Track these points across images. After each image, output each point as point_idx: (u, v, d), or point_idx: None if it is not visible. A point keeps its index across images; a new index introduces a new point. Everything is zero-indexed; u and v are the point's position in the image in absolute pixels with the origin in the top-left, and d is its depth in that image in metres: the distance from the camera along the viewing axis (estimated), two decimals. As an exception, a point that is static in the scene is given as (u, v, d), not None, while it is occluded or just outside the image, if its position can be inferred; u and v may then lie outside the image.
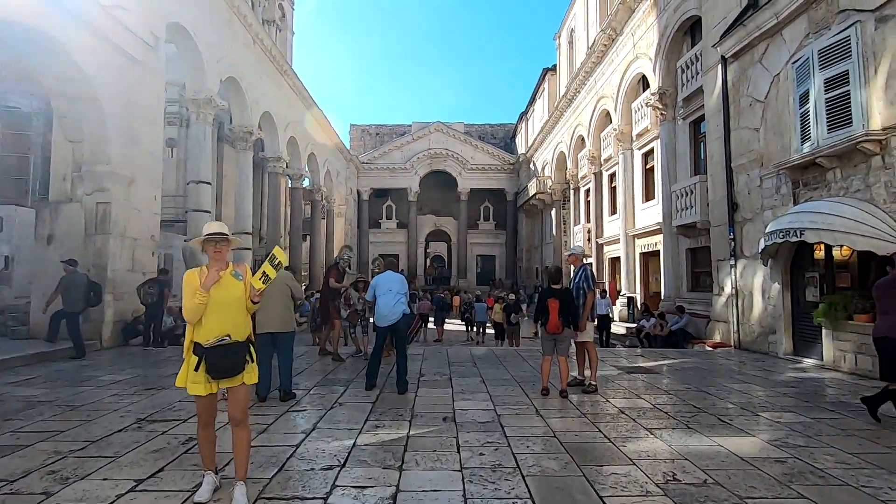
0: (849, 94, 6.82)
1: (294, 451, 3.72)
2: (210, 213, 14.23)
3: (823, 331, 7.39)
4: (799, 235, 6.91)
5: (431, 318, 16.34)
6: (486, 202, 37.82)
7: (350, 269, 10.43)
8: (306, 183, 27.78)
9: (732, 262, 9.65)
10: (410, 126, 38.80)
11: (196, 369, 2.79)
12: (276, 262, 2.99)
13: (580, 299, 5.79)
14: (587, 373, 5.99)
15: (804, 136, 7.70)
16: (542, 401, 5.35)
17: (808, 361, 7.75)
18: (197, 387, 2.80)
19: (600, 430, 4.28)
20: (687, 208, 12.21)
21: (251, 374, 2.94)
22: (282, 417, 4.67)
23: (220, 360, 2.77)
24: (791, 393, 5.74)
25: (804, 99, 7.66)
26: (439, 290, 29.00)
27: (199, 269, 2.96)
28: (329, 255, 30.68)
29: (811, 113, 7.45)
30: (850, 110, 6.80)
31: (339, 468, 3.39)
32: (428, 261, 43.58)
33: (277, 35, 22.49)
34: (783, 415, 4.80)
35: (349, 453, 3.68)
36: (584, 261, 6.28)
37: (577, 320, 5.71)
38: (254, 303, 2.97)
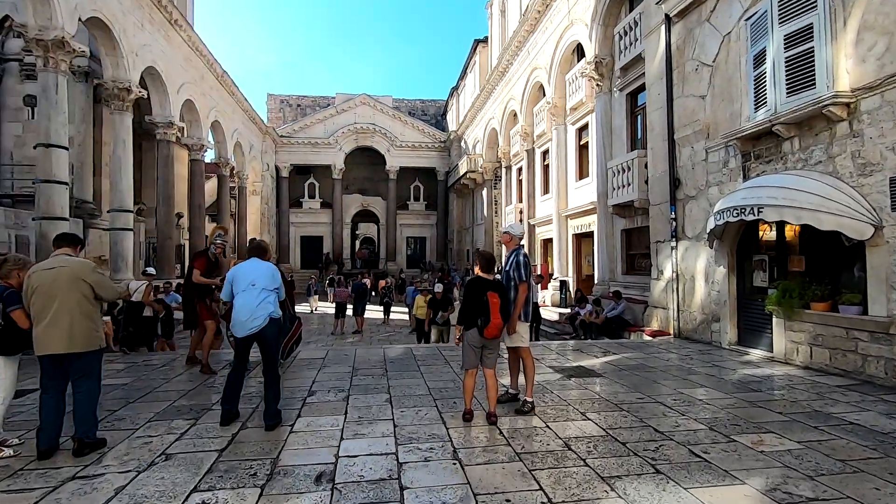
0: (813, 52, 5.96)
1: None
2: (67, 184, 11.52)
3: (774, 320, 6.67)
4: (756, 213, 6.03)
5: (350, 308, 14.71)
6: (417, 181, 36.13)
7: (229, 254, 8.47)
8: (211, 156, 24.72)
9: (673, 243, 8.86)
10: (335, 98, 36.03)
11: None
12: None
13: (511, 292, 4.50)
14: (522, 379, 4.74)
15: (758, 102, 6.84)
16: (464, 431, 3.99)
17: (756, 353, 7.05)
18: None
19: (541, 487, 2.98)
20: (623, 186, 11.40)
21: None
22: (55, 493, 2.94)
23: None
24: (757, 400, 4.81)
25: (759, 59, 6.78)
26: (363, 274, 27.28)
27: None
28: (242, 239, 27.79)
29: (768, 75, 6.57)
30: (813, 70, 5.94)
31: None
32: (357, 243, 41.37)
33: (170, -19, 19.24)
34: (763, 438, 3.78)
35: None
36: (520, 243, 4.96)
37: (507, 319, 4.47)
38: None
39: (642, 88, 11.23)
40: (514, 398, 4.76)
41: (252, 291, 4.13)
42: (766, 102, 6.65)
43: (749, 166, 7.17)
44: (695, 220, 8.39)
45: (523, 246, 4.86)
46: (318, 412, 4.50)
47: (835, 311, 5.80)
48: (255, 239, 4.61)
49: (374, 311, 18.22)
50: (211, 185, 26.87)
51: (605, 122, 12.88)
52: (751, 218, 6.16)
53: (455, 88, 33.63)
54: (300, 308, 22.27)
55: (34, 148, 11.68)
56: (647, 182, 10.24)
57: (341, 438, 3.83)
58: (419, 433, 3.93)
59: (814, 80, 5.93)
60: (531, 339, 11.54)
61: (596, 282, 13.30)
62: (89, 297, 3.56)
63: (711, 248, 7.72)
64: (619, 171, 11.59)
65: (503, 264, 4.72)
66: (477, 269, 4.35)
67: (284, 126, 34.50)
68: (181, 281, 11.47)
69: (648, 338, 9.18)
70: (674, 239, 8.84)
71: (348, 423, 4.20)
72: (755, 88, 6.89)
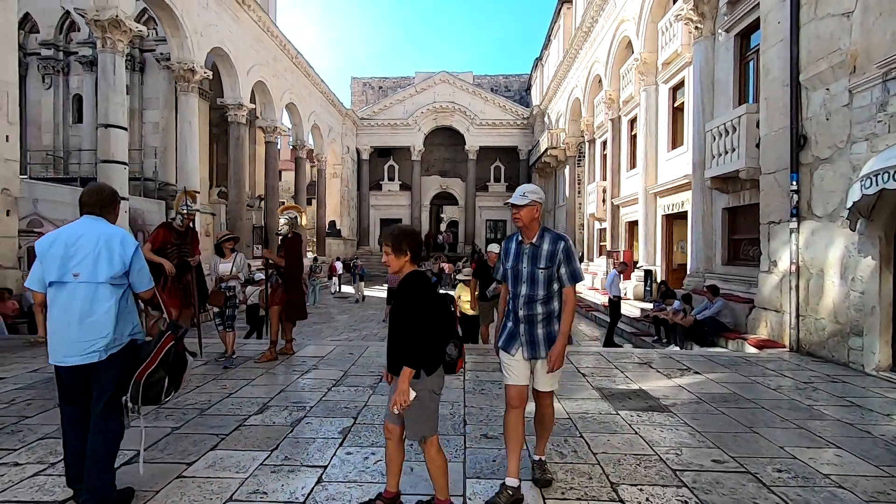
0: None
1: None
2: (126, 164, 11.68)
3: (961, 341, 4.35)
4: (939, 174, 3.80)
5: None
6: (497, 161, 34.31)
7: (224, 230, 7.61)
8: (290, 140, 25.07)
9: (794, 224, 6.53)
10: (414, 78, 35.25)
11: None
12: None
13: (554, 303, 2.70)
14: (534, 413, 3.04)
15: (946, 4, 4.44)
16: (409, 504, 2.58)
17: (924, 387, 4.74)
18: None
19: None
20: (726, 152, 8.94)
21: None
22: None
23: None
24: (936, 487, 2.82)
25: (951, -64, 4.36)
26: (438, 258, 26.39)
27: None
28: (321, 222, 28.21)
29: (967, -44, 4.17)
30: None
31: None
32: (443, 226, 40.66)
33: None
34: None
35: None
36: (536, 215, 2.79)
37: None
38: None
39: (756, 27, 8.67)
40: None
41: (73, 289, 2.39)
42: (961, 1, 4.26)
43: (924, 107, 4.77)
44: (827, 193, 6.03)
45: (556, 231, 2.85)
46: (242, 443, 3.35)
47: None
48: (102, 185, 2.70)
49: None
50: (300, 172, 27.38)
51: (705, 74, 10.33)
52: (928, 182, 3.93)
53: (539, 59, 31.14)
54: (346, 288, 21.59)
55: (96, 129, 12.02)
56: (757, 146, 7.82)
57: (230, 499, 2.62)
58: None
59: None
60: (606, 342, 9.76)
61: (688, 273, 10.92)
62: None
63: (854, 230, 5.40)
64: (720, 135, 9.13)
65: (516, 256, 2.77)
66: (401, 263, 2.44)
67: (364, 108, 34.49)
68: (249, 262, 11.28)
69: (752, 349, 6.97)
70: (794, 218, 6.51)
71: (262, 467, 2.99)
72: (941, -17, 4.49)
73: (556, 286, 2.71)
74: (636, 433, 3.62)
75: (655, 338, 9.51)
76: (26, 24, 18.51)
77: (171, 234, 5.23)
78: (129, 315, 2.55)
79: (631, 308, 12.21)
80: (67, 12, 17.66)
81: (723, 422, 3.88)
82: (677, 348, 8.35)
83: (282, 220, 6.08)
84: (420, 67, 44.07)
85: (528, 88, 36.35)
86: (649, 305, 11.30)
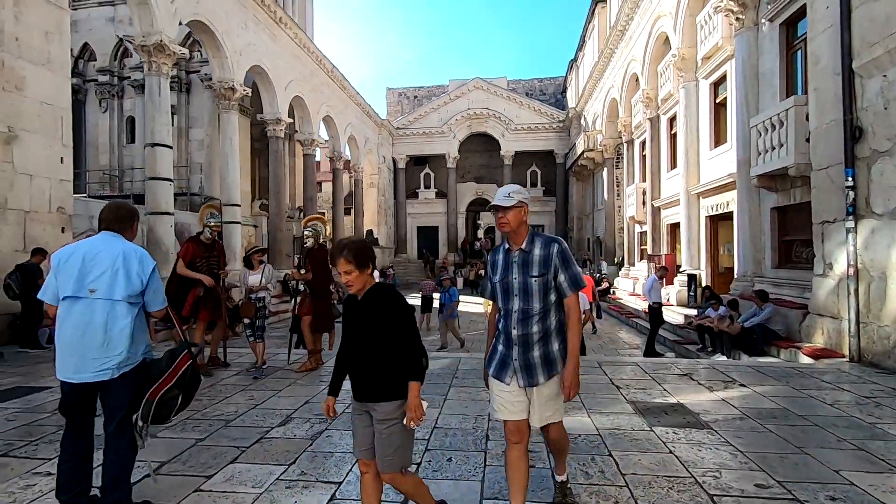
0: None
1: None
2: (172, 181, 12.23)
3: None
4: None
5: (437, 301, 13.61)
6: (534, 166, 33.87)
7: (259, 245, 7.79)
8: (328, 151, 25.67)
9: (850, 223, 6.02)
10: (448, 86, 35.43)
11: None
12: None
13: (551, 319, 2.37)
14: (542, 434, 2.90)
15: None
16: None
17: None
18: None
19: None
20: (773, 148, 8.41)
21: None
22: None
23: None
24: None
25: None
26: (475, 265, 26.26)
27: None
28: (358, 231, 28.67)
29: None
30: None
31: None
32: (480, 232, 40.57)
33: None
34: None
35: None
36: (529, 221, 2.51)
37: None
38: None
39: (802, 14, 8.16)
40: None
41: (89, 305, 2.39)
42: None
43: None
44: (888, 188, 5.53)
45: (549, 235, 2.47)
46: (261, 456, 3.35)
47: None
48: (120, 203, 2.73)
49: (474, 305, 17.05)
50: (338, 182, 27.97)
51: (748, 67, 9.79)
52: None
53: (573, 61, 30.63)
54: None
55: (144, 148, 12.66)
56: (807, 139, 7.30)
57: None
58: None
59: None
60: (646, 351, 9.30)
61: (735, 276, 10.33)
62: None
63: (919, 228, 4.91)
64: (766, 130, 8.60)
65: (504, 267, 2.44)
66: (365, 278, 2.27)
67: (400, 118, 34.91)
68: (288, 271, 11.51)
69: (807, 359, 6.47)
70: (851, 217, 6.01)
71: (279, 482, 2.96)
72: None
73: (553, 297, 2.37)
74: (671, 452, 3.37)
75: (700, 346, 9.02)
76: (85, 52, 19.83)
77: (198, 248, 5.38)
78: (142, 334, 2.55)
79: (674, 314, 11.67)
80: (121, 40, 18.81)
81: (769, 441, 3.57)
82: (723, 358, 7.88)
83: (306, 232, 6.05)
84: (454, 75, 44.05)
85: (564, 91, 35.81)
86: (693, 311, 10.75)
